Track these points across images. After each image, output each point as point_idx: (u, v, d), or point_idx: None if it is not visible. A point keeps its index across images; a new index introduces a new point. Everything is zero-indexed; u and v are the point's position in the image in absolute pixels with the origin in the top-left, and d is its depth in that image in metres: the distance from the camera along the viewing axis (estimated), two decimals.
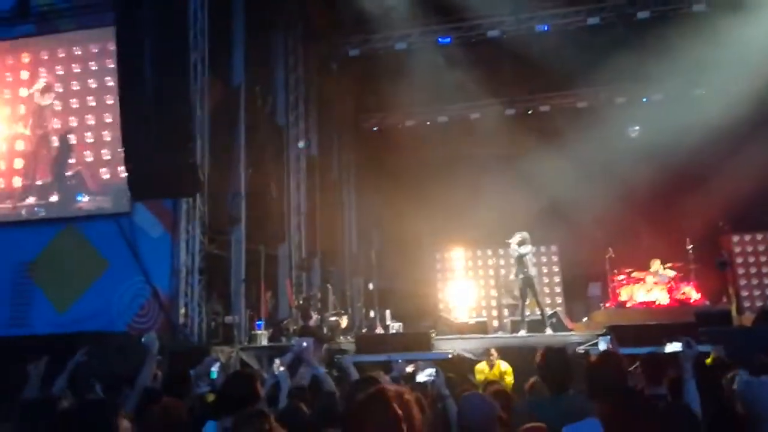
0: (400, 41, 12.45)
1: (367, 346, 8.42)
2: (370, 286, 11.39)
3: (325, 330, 9.38)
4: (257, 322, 9.23)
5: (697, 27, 10.78)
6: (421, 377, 3.73)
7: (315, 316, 9.70)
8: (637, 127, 12.99)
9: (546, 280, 11.90)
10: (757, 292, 11.46)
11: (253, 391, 3.37)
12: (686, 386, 3.22)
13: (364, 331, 10.55)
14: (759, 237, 11.62)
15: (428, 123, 14.13)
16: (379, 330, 10.26)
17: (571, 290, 12.09)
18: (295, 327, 9.40)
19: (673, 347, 5.55)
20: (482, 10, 11.66)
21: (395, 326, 10.30)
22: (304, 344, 4.56)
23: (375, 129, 14.41)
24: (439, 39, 12.81)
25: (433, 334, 8.80)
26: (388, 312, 10.56)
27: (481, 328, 10.19)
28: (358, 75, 12.65)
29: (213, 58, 9.39)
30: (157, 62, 8.71)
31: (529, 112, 13.74)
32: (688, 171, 11.62)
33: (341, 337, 9.49)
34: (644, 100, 13.26)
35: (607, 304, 10.84)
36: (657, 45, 11.24)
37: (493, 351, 7.54)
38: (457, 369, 7.48)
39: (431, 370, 3.55)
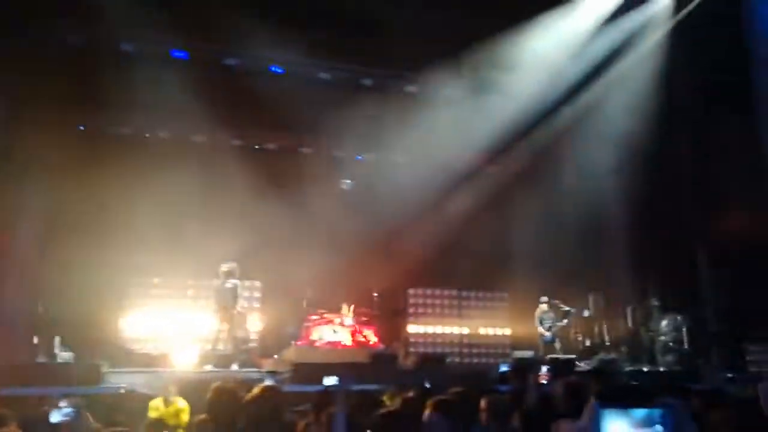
0: (128, 42, 11.55)
1: (17, 378, 7.06)
2: (40, 308, 9.74)
3: None
4: None
5: (409, 105, 12.71)
6: (55, 417, 3.20)
7: None
8: (349, 181, 14.16)
9: (246, 315, 11.82)
10: (422, 339, 13.81)
11: None
12: (336, 418, 3.49)
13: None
14: (428, 292, 14.15)
15: (147, 135, 13.14)
16: (42, 359, 8.79)
17: (268, 327, 12.26)
18: None
19: (330, 381, 6.42)
20: (222, 36, 11.56)
21: (64, 356, 9.01)
22: None
23: (81, 128, 12.71)
24: (173, 52, 12.23)
25: (106, 366, 7.91)
26: (57, 339, 9.13)
27: (165, 361, 9.54)
28: (77, 66, 11.15)
29: None
30: None
31: (256, 147, 13.90)
32: (383, 227, 13.07)
33: None
34: (358, 157, 14.62)
35: (299, 343, 11.28)
36: (376, 110, 12.63)
37: (171, 387, 7.05)
38: (130, 405, 6.86)
39: (69, 410, 3.10)
